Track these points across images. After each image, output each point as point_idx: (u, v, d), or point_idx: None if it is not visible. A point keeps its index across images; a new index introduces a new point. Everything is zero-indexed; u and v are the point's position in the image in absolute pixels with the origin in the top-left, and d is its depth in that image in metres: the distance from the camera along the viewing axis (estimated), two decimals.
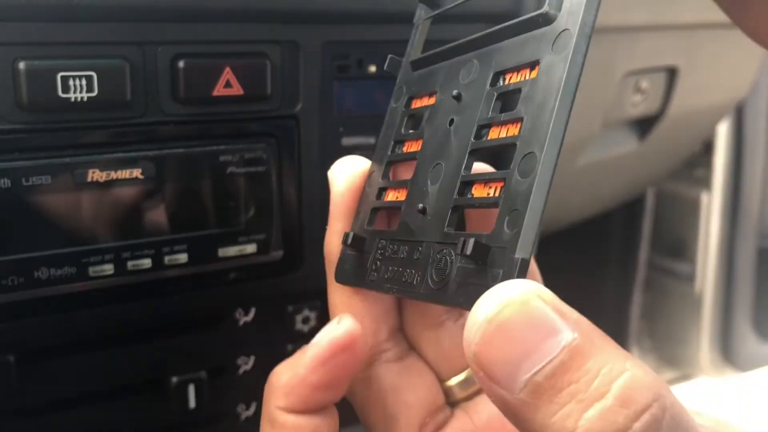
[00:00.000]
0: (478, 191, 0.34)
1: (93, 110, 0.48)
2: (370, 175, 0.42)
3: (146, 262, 0.51)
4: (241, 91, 0.52)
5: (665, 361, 1.78)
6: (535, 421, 0.26)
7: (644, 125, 1.14)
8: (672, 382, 1.69)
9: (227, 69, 0.52)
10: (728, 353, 1.70)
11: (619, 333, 1.61)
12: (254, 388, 0.63)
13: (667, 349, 1.77)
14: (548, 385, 0.26)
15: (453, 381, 0.42)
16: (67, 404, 0.56)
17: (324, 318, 0.63)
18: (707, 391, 1.66)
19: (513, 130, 0.33)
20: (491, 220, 0.31)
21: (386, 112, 0.43)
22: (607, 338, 0.27)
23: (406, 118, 0.42)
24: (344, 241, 0.40)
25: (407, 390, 0.41)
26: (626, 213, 1.60)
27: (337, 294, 0.41)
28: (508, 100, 0.35)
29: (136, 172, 0.50)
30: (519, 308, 0.26)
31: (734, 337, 1.69)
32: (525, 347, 0.26)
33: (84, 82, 0.47)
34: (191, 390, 0.58)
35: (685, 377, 1.77)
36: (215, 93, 0.52)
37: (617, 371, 0.26)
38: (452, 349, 0.42)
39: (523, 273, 0.28)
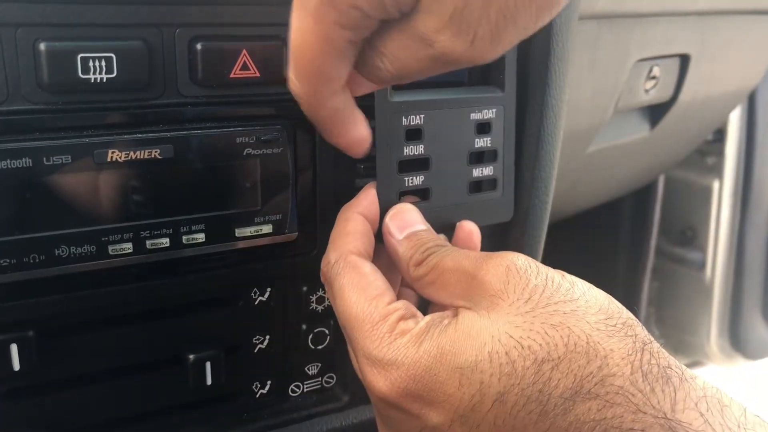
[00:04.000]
0: None
1: (112, 91, 0.49)
2: None
3: (164, 241, 0.52)
4: (257, 74, 0.53)
5: (674, 348, 1.78)
6: None
7: (656, 112, 1.14)
8: None
9: (244, 52, 0.52)
10: (737, 341, 1.70)
11: None
12: (269, 366, 0.64)
13: (675, 336, 1.77)
14: None
15: None
16: (86, 380, 0.57)
17: None
18: (715, 380, 1.67)
19: None
20: None
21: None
22: None
23: None
24: None
25: None
26: (636, 200, 1.60)
27: None
28: None
29: (155, 153, 0.51)
30: None
31: (743, 325, 1.69)
32: None
33: (103, 63, 0.48)
34: (208, 367, 0.59)
35: (693, 365, 1.77)
36: (232, 75, 0.52)
37: None
38: None
39: None
